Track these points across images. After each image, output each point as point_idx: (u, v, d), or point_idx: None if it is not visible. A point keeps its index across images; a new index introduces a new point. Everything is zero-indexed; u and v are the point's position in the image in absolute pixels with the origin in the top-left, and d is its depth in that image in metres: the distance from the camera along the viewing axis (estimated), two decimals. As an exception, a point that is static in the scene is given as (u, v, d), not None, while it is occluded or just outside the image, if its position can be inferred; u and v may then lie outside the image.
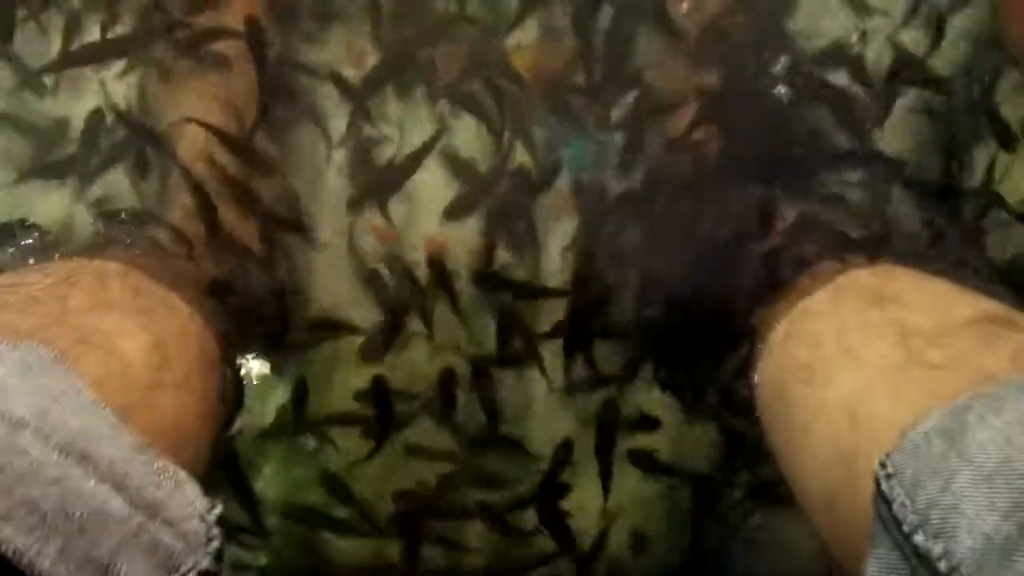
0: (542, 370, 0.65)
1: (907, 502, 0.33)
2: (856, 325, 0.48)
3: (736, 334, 0.59)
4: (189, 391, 0.42)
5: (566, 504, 0.66)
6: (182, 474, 0.32)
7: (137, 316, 0.42)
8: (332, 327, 0.65)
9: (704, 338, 0.63)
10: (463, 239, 0.65)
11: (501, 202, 0.65)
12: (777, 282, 0.59)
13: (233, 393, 0.54)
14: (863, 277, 0.53)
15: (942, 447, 0.34)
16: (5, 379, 0.28)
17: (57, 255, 0.53)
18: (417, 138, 0.65)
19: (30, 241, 0.53)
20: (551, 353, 0.66)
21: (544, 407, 0.67)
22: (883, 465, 0.36)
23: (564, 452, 0.66)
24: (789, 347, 0.52)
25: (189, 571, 0.29)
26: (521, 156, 0.65)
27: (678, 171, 0.63)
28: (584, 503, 0.66)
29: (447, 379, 0.65)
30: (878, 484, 0.36)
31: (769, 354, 0.54)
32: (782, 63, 0.63)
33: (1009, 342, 0.41)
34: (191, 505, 0.31)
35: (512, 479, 0.66)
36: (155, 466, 0.31)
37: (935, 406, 0.38)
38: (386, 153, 0.65)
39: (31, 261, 0.52)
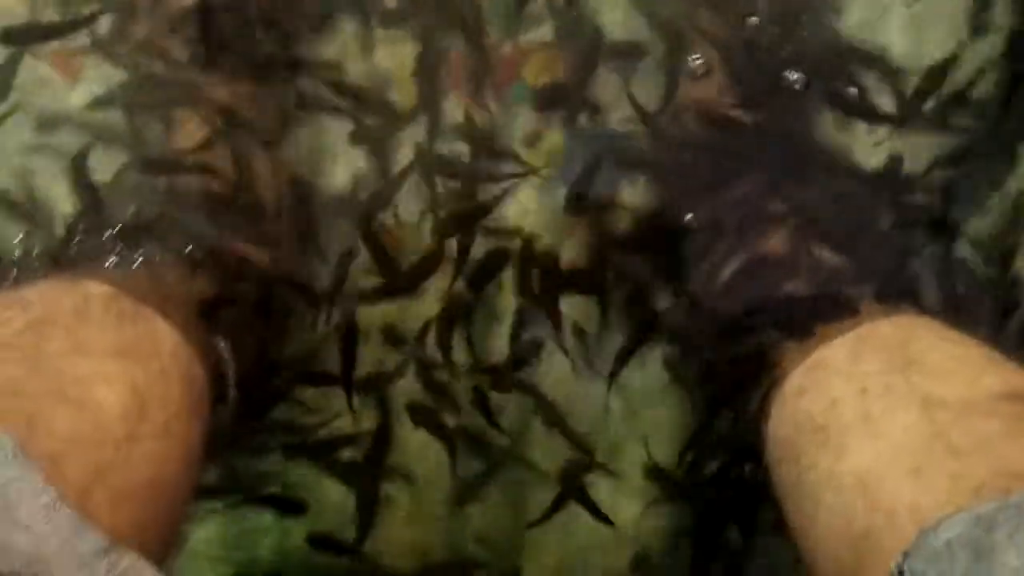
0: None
1: None
2: (877, 390, 0.46)
3: (751, 371, 0.56)
4: (168, 438, 0.40)
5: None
6: (148, 572, 0.30)
7: (116, 358, 0.40)
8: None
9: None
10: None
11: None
12: (796, 323, 0.56)
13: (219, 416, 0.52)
14: (884, 329, 0.51)
15: (966, 562, 0.32)
16: None
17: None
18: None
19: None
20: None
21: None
22: (900, 570, 0.34)
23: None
24: (804, 403, 0.50)
25: None
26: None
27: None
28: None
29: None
30: None
31: (783, 406, 0.52)
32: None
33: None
34: None
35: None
36: (119, 570, 0.29)
37: (958, 499, 0.36)
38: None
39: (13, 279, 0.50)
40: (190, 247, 0.53)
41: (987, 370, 0.45)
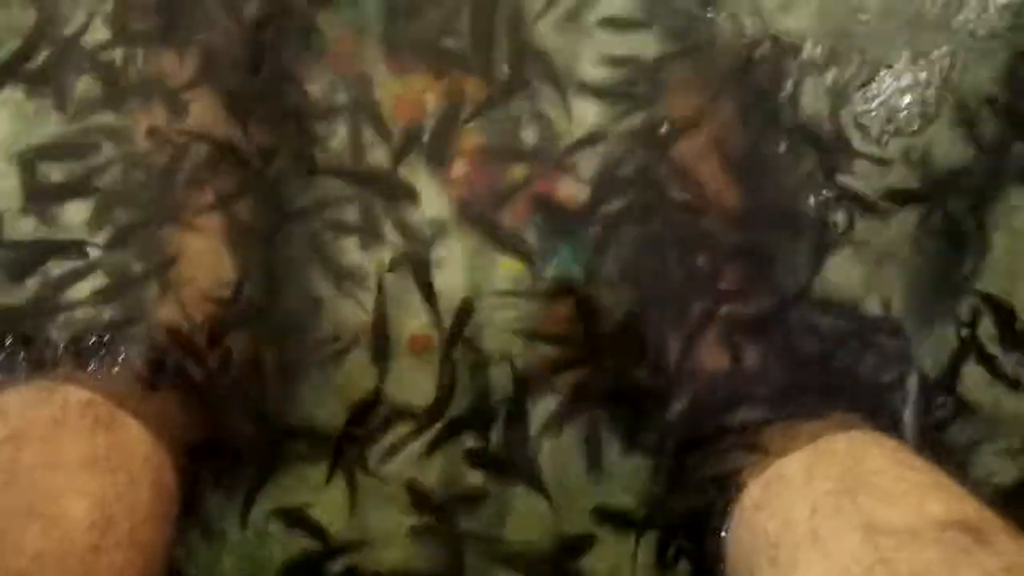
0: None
1: None
2: (827, 510, 0.47)
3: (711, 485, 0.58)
4: (133, 547, 0.42)
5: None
6: None
7: (87, 469, 0.42)
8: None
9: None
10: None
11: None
12: (754, 435, 0.58)
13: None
14: (839, 446, 0.52)
15: None
16: None
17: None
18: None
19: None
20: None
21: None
22: None
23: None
24: (761, 519, 0.51)
25: None
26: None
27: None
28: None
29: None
30: None
31: (741, 520, 0.53)
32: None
33: (974, 567, 0.40)
34: None
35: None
36: None
37: None
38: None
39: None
40: (168, 353, 0.55)
41: (933, 496, 0.46)
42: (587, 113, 0.66)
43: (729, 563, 0.53)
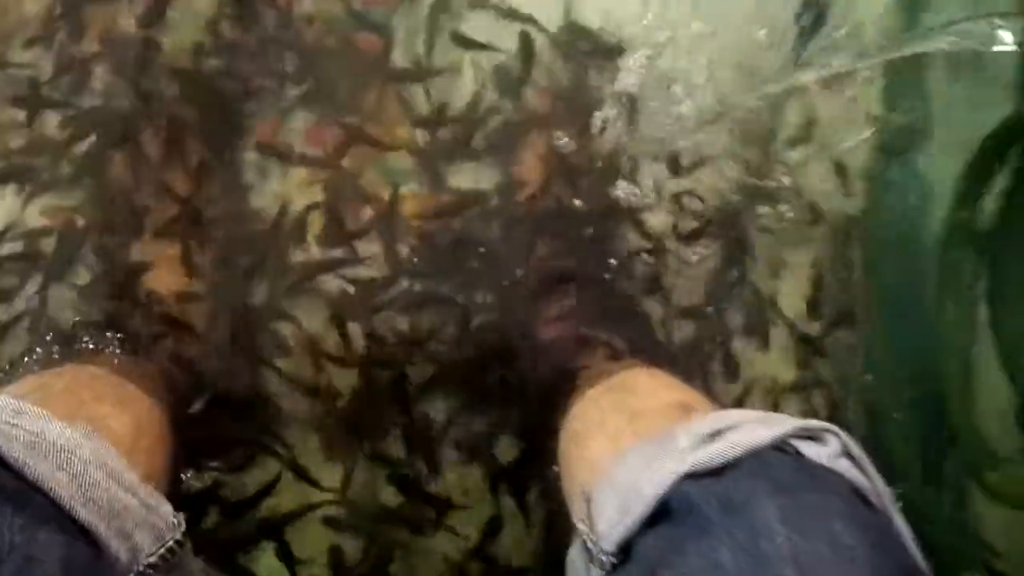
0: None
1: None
2: (608, 407, 0.73)
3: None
4: (151, 457, 0.65)
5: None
6: (162, 497, 0.55)
7: (119, 405, 0.65)
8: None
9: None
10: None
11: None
12: (576, 379, 0.84)
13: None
14: (621, 375, 0.79)
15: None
16: (81, 444, 0.51)
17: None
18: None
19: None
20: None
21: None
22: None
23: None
24: (573, 424, 0.77)
25: (168, 541, 0.53)
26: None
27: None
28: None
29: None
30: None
31: (565, 429, 0.79)
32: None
33: (677, 420, 0.66)
34: (167, 511, 0.54)
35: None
36: (148, 490, 0.54)
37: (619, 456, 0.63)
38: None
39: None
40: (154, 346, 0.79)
41: (669, 391, 0.72)
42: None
43: (560, 459, 0.79)
